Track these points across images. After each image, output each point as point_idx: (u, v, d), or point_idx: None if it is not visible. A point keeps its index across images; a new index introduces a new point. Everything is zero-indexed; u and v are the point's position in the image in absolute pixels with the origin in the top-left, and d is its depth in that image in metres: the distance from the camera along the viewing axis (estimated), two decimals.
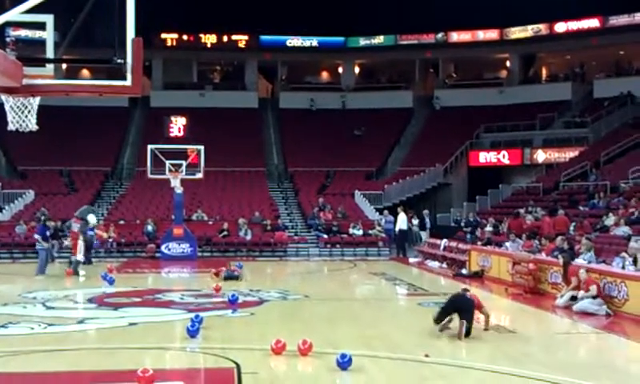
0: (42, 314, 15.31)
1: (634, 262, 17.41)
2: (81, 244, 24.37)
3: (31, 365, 10.71)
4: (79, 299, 17.72)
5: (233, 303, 16.30)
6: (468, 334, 12.35)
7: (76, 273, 23.78)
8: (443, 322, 12.69)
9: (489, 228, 29.57)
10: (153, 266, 27.86)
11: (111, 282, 21.14)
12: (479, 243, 27.35)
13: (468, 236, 30.22)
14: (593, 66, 49.44)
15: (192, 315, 13.48)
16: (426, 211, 35.36)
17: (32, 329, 13.55)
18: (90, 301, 17.57)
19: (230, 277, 21.97)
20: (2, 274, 25.20)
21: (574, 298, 16.13)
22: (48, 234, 25.56)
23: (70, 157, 42.05)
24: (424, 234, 32.39)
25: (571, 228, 25.64)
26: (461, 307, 12.71)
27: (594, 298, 15.65)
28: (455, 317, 12.65)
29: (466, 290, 13.76)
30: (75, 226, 25.11)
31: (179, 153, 32.21)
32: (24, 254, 31.14)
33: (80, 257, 24.23)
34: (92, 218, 26.61)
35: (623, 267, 17.47)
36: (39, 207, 35.18)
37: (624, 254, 18.26)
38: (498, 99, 48.27)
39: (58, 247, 29.86)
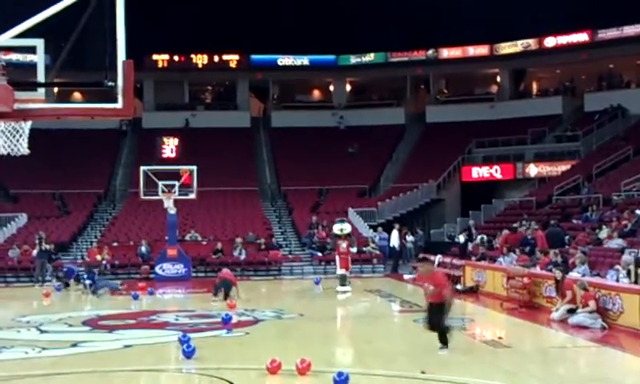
0: (36, 338, 15.24)
1: (628, 274, 17.43)
2: (337, 259, 25.59)
3: None
4: (73, 322, 17.64)
5: (226, 323, 16.25)
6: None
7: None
8: None
9: (477, 241, 29.57)
10: (141, 288, 27.70)
11: (136, 296, 22.86)
12: (473, 258, 27.33)
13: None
14: (583, 80, 49.62)
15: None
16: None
17: (26, 353, 13.47)
18: (85, 324, 17.49)
19: (224, 285, 21.92)
20: None
21: (571, 311, 16.12)
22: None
23: (62, 180, 41.94)
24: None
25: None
26: None
27: (590, 312, 15.66)
28: None
29: None
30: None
31: (172, 174, 32.20)
32: (17, 278, 31.04)
33: (340, 271, 25.32)
34: (335, 228, 26.96)
35: (617, 280, 17.49)
36: (32, 231, 35.04)
37: (618, 266, 18.29)
38: (489, 114, 48.33)
39: (52, 270, 29.82)
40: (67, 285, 26.48)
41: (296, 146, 46.72)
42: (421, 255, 16.16)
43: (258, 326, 16.94)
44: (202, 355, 12.52)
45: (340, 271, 25.26)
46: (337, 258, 25.72)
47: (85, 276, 25.71)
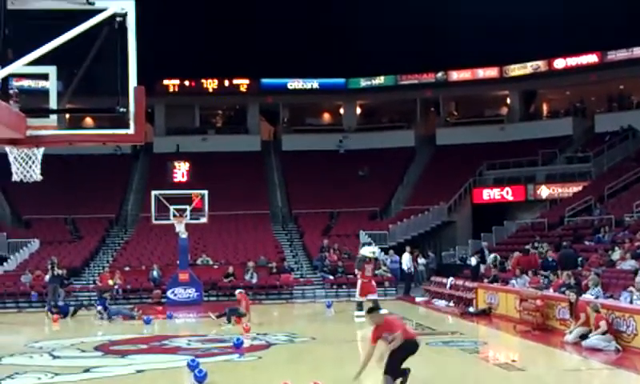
0: (49, 364, 15.25)
1: None
2: (359, 283, 24.62)
3: None
4: (85, 348, 17.64)
5: (238, 347, 16.24)
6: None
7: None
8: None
9: (490, 260, 29.52)
10: (159, 312, 27.73)
11: (148, 321, 23.31)
12: (485, 280, 27.24)
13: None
14: (593, 101, 49.57)
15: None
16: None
17: (39, 379, 13.48)
18: (97, 349, 17.50)
19: (233, 312, 21.98)
20: (8, 324, 25.14)
21: (583, 336, 16.02)
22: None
23: (74, 205, 42.05)
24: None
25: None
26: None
27: (603, 333, 15.56)
28: None
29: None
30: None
31: (183, 198, 32.26)
32: (30, 304, 31.07)
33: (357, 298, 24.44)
34: (365, 250, 26.13)
35: (631, 301, 17.39)
36: (44, 256, 35.13)
37: (631, 288, 18.19)
38: (499, 136, 48.28)
39: (64, 295, 29.82)
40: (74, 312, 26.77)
41: (307, 169, 46.79)
42: (370, 306, 14.71)
43: (271, 349, 16.91)
44: (214, 380, 12.50)
45: (371, 296, 23.91)
46: (359, 281, 24.64)
47: (97, 301, 25.79)
